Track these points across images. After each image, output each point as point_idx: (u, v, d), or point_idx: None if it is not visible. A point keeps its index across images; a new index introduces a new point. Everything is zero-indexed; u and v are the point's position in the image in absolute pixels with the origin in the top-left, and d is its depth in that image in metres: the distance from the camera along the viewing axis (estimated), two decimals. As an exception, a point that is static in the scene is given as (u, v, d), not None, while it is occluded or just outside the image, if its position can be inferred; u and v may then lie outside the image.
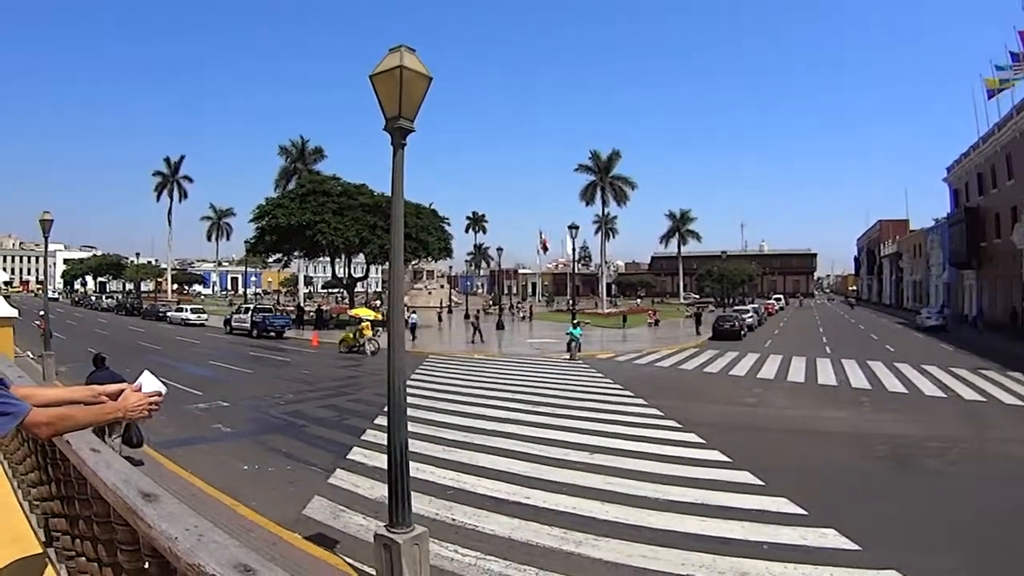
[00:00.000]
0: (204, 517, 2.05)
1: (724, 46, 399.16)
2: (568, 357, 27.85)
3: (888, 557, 7.03)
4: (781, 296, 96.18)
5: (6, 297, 23.22)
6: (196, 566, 1.70)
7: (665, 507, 8.77)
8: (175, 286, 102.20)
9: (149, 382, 2.63)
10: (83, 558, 3.12)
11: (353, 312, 41.22)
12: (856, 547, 7.37)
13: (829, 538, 7.68)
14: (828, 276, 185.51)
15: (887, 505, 9.04)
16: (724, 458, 11.34)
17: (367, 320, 33.58)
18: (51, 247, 32.18)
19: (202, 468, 10.65)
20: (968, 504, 9.09)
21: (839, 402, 17.65)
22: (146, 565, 2.33)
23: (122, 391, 2.59)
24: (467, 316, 53.50)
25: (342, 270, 51.26)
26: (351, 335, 31.99)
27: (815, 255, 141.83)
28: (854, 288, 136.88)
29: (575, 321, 31.55)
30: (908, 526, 8.24)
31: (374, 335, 31.45)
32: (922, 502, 9.23)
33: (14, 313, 19.46)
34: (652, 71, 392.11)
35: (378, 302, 65.26)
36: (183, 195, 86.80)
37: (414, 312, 40.72)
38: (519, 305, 73.57)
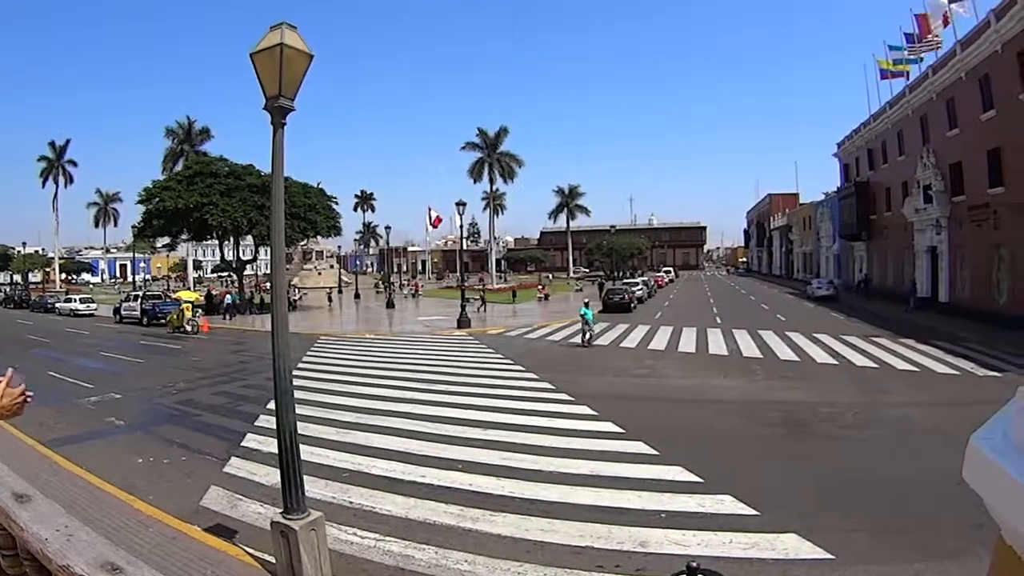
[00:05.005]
0: (77, 517, 2.08)
1: (620, 23, 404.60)
2: (581, 343, 24.09)
3: (786, 521, 7.23)
4: (671, 269, 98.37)
5: None
6: (65, 567, 1.74)
7: (560, 480, 8.93)
8: (63, 275, 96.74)
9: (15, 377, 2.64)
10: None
11: (175, 295, 44.23)
12: (754, 512, 7.56)
13: (726, 504, 7.86)
14: (718, 248, 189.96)
15: (782, 470, 9.38)
16: (617, 429, 11.61)
17: (187, 302, 35.96)
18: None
19: (97, 464, 10.22)
20: (861, 467, 9.41)
21: (731, 371, 18.10)
22: (27, 570, 2.30)
23: None
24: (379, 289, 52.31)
25: (230, 253, 49.89)
26: (175, 316, 33.91)
27: (704, 228, 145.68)
28: (744, 260, 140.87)
29: (586, 300, 28.77)
30: (804, 490, 8.47)
31: (194, 316, 34.15)
32: (817, 466, 9.51)
33: None
34: (539, 48, 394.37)
35: (267, 284, 64.32)
36: (69, 180, 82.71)
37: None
38: (410, 283, 73.75)
